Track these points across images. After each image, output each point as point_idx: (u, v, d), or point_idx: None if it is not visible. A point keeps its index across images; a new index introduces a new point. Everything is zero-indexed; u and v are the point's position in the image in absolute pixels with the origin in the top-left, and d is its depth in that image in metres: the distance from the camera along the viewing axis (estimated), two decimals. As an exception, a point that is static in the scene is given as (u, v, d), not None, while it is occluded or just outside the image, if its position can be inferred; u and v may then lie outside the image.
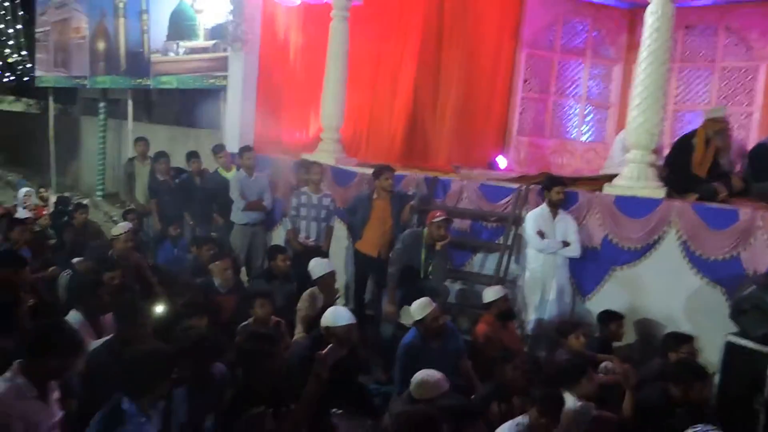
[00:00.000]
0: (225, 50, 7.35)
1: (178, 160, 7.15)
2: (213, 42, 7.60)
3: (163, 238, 6.49)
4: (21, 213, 6.42)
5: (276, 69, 7.39)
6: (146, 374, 2.54)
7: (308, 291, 4.81)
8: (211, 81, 7.72)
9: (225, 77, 7.42)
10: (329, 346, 2.98)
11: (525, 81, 7.90)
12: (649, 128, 4.89)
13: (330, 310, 3.68)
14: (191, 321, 3.74)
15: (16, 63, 12.23)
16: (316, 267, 4.87)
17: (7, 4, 11.87)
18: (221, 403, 3.06)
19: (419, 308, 3.92)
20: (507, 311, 4.49)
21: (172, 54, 8.27)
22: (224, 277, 4.85)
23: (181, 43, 8.13)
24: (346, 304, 5.38)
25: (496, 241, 5.60)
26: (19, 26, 11.92)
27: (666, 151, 5.54)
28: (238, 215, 6.20)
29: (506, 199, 5.54)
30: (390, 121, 7.42)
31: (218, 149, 6.73)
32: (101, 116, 11.29)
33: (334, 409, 3.58)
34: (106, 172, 11.36)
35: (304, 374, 3.18)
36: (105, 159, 11.30)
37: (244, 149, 6.36)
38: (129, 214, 6.46)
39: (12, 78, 12.46)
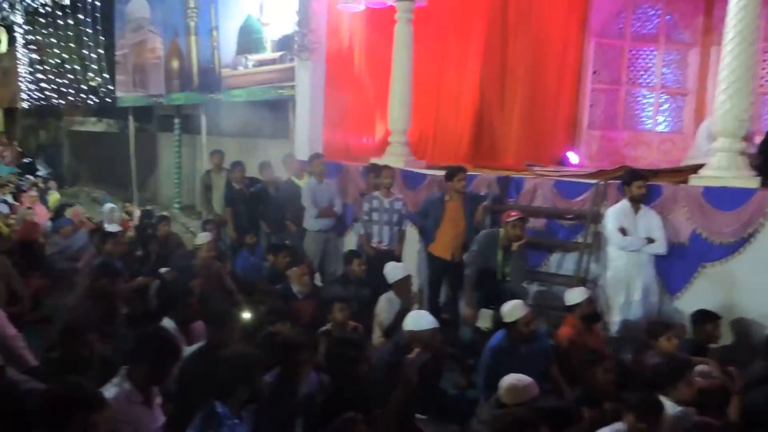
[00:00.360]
0: (292, 60, 7.51)
1: (250, 171, 7.36)
2: (280, 53, 7.78)
3: (239, 246, 6.68)
4: (110, 227, 6.78)
5: (342, 76, 7.48)
6: (235, 378, 2.60)
7: (384, 295, 4.82)
8: (279, 92, 7.90)
9: (292, 87, 7.57)
10: (416, 351, 2.95)
11: (594, 72, 7.64)
12: (737, 114, 4.58)
13: (412, 314, 3.66)
14: (275, 327, 3.83)
15: (99, 86, 12.98)
16: (392, 271, 4.87)
17: (90, 31, 12.63)
18: (310, 408, 3.10)
19: (511, 311, 3.82)
20: (592, 313, 4.31)
21: (241, 68, 8.53)
22: (302, 282, 4.93)
23: (250, 57, 8.37)
24: (419, 308, 5.35)
25: (574, 240, 5.40)
26: (101, 51, 12.65)
27: (758, 138, 5.17)
28: (310, 222, 6.30)
29: (583, 196, 5.34)
30: (456, 121, 7.35)
31: (289, 157, 6.87)
32: (176, 132, 11.82)
33: (418, 415, 3.55)
34: (182, 185, 11.88)
35: (390, 379, 3.19)
36: (181, 172, 11.81)
37: (314, 156, 6.46)
38: (208, 224, 6.70)
39: (95, 100, 13.24)
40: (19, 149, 14.55)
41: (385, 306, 4.76)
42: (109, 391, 2.66)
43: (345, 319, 4.27)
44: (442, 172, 5.62)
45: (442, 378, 4.09)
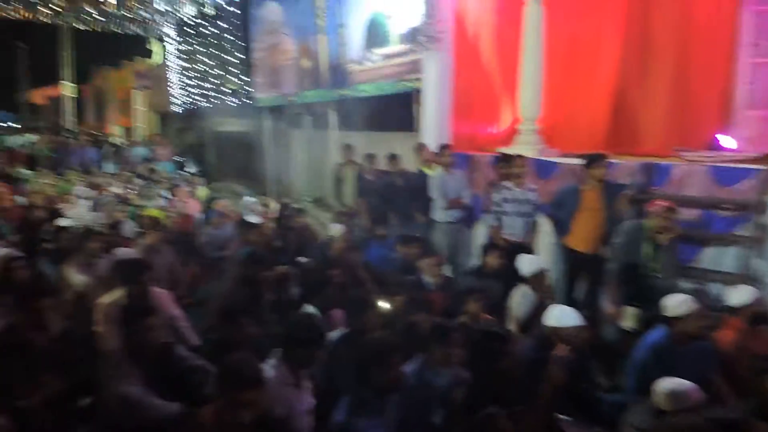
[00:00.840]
0: (418, 52, 7.51)
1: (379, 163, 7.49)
2: (406, 46, 7.81)
3: (370, 237, 6.83)
4: (251, 218, 7.24)
5: (468, 64, 7.35)
6: (373, 362, 2.62)
7: (519, 289, 4.66)
8: (405, 84, 7.94)
9: (418, 79, 7.57)
10: (561, 348, 2.80)
11: (754, 45, 6.77)
12: None
13: (555, 309, 3.49)
14: (413, 316, 3.84)
15: (239, 88, 13.97)
16: (526, 264, 4.70)
17: (230, 38, 13.62)
18: (449, 400, 3.07)
19: (678, 305, 3.49)
20: (761, 316, 3.83)
21: (367, 62, 8.70)
22: (434, 274, 4.91)
23: (376, 51, 8.49)
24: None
25: (733, 233, 4.85)
26: (240, 56, 13.58)
27: None
28: (439, 213, 6.26)
29: (745, 184, 4.77)
30: (592, 105, 6.91)
31: (421, 147, 6.82)
32: (307, 128, 12.37)
33: (562, 416, 3.38)
34: (313, 179, 12.43)
35: (532, 376, 3.06)
36: (312, 167, 12.35)
37: (443, 147, 6.41)
38: (341, 216, 6.91)
39: (236, 102, 14.28)
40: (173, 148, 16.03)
41: (519, 300, 4.61)
42: (266, 372, 2.83)
43: (479, 312, 4.18)
44: (577, 161, 5.31)
45: (586, 378, 3.85)
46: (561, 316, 3.37)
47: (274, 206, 9.31)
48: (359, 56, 8.87)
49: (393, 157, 7.09)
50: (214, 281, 6.50)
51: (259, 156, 13.51)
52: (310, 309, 3.86)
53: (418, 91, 7.57)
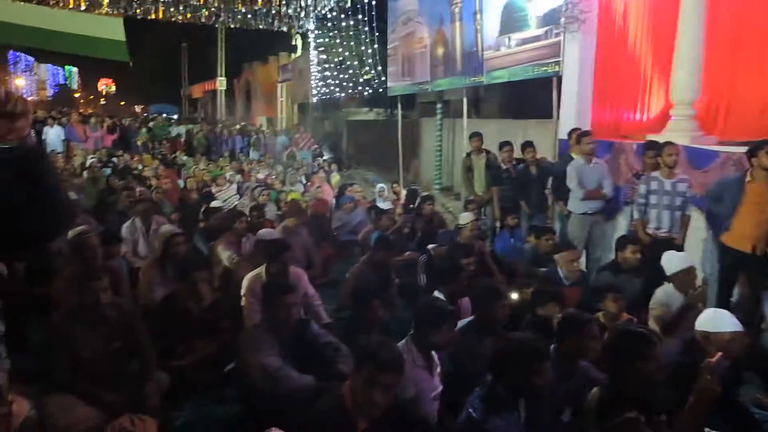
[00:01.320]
0: (557, 36, 7.14)
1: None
2: (545, 29, 7.46)
3: (500, 227, 6.67)
4: (382, 204, 7.43)
5: (613, 46, 6.84)
6: (512, 362, 2.50)
7: (662, 288, 4.27)
8: (543, 69, 7.59)
9: (557, 63, 7.20)
10: (717, 355, 2.52)
11: None
12: None
13: (709, 312, 3.15)
14: (543, 309, 3.69)
15: (372, 78, 14.33)
16: (672, 261, 4.28)
17: (366, 29, 14.00)
18: (580, 400, 2.90)
19: None
20: None
21: (503, 48, 8.45)
22: (570, 268, 4.67)
23: (512, 36, 8.22)
24: (704, 306, 4.62)
25: None
26: (375, 46, 13.91)
27: None
28: (575, 204, 5.93)
29: None
30: (760, 86, 6.08)
31: (585, 134, 6.30)
32: (438, 117, 12.36)
33: (709, 430, 3.05)
34: (442, 168, 12.43)
35: (676, 382, 2.79)
36: (441, 155, 12.35)
37: (582, 134, 6.03)
38: (470, 204, 6.83)
39: (369, 91, 14.67)
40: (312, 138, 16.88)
41: (662, 299, 4.22)
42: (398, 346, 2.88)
43: (619, 310, 3.91)
44: (740, 149, 4.72)
45: (740, 391, 3.45)
46: (716, 320, 3.03)
47: (404, 193, 9.46)
48: (495, 42, 8.64)
49: (528, 145, 6.83)
50: (346, 263, 6.81)
51: (391, 144, 13.78)
52: (438, 295, 3.86)
53: (556, 76, 7.20)
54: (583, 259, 5.79)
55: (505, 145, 6.97)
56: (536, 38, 7.69)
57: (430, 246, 5.47)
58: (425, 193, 8.70)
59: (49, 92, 39.38)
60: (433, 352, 2.99)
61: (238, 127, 19.51)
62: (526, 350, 2.45)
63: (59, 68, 42.44)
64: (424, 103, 15.42)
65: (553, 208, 6.71)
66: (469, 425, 2.43)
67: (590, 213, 5.90)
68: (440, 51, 10.38)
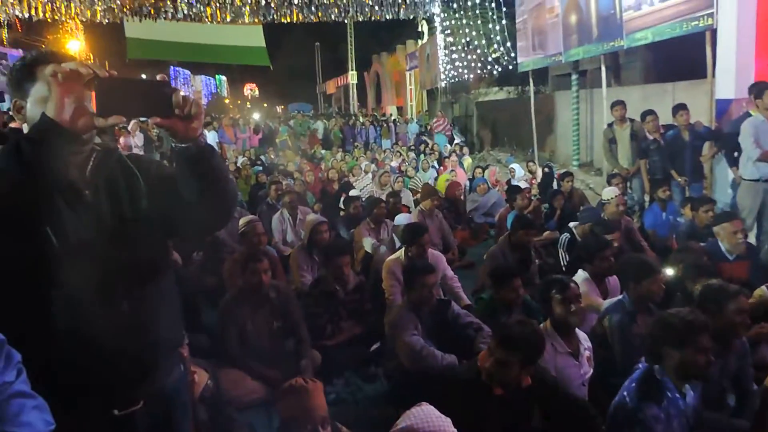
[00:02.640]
0: (710, -16, 6.36)
1: (662, 118, 6.65)
2: (694, -21, 6.69)
3: (650, 201, 6.16)
4: (518, 183, 7.23)
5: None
6: (670, 342, 2.29)
7: None
8: (693, 24, 6.82)
9: (710, 15, 6.42)
10: None
11: None
12: None
13: None
14: (695, 285, 3.36)
15: (501, 56, 13.93)
16: None
17: (493, 6, 13.63)
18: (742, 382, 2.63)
19: None
20: None
21: (645, 6, 7.72)
22: (734, 241, 4.18)
23: (656, -8, 7.48)
24: None
25: None
26: (503, 23, 13.50)
27: None
28: (747, 169, 5.22)
29: None
30: None
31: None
32: (573, 89, 11.70)
33: None
34: (580, 142, 11.76)
35: None
36: (578, 130, 11.68)
37: (763, 87, 5.24)
38: (613, 178, 6.39)
39: (498, 70, 14.28)
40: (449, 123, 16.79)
41: None
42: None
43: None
44: None
45: None
46: None
47: (540, 171, 9.12)
48: (635, 1, 7.93)
49: (680, 108, 6.18)
50: (482, 246, 6.75)
51: (523, 122, 13.33)
52: (580, 274, 3.68)
53: (709, 30, 6.43)
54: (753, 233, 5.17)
55: (648, 114, 6.39)
56: (684, -9, 6.93)
57: (571, 224, 5.21)
58: (563, 170, 8.31)
59: (204, 101, 43.56)
60: (581, 336, 2.86)
61: (368, 118, 20.07)
62: (686, 326, 2.22)
63: (211, 78, 46.78)
64: (558, 75, 14.70)
65: (712, 176, 6.04)
66: (622, 412, 2.28)
67: (764, 179, 5.19)
68: (573, 18, 9.77)
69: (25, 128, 1.38)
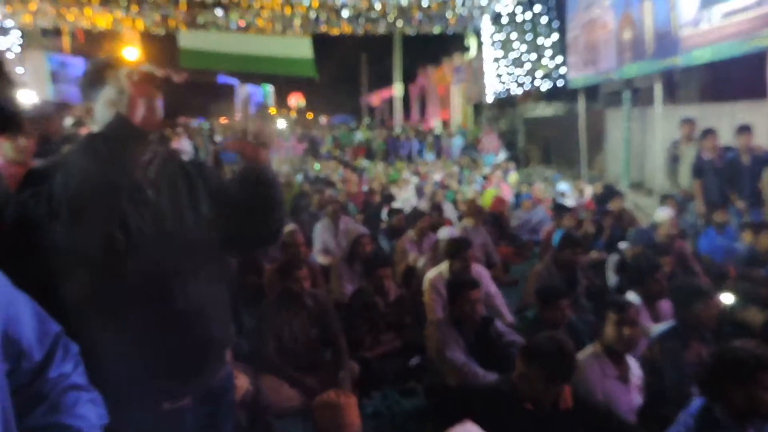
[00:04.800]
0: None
1: (723, 138, 6.43)
2: (759, -4, 6.48)
3: (705, 224, 5.95)
4: (565, 202, 7.10)
5: None
6: (730, 378, 2.10)
7: None
8: (756, 43, 6.60)
9: (776, 34, 6.21)
10: None
11: None
12: None
13: None
14: (744, 314, 3.23)
15: (551, 71, 13.77)
16: None
17: (545, 20, 13.52)
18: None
19: None
20: None
21: (704, 23, 7.53)
22: (798, 270, 4.00)
23: (715, 8, 7.28)
24: None
25: None
26: (554, 37, 13.36)
27: None
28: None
29: None
30: None
31: None
32: (625, 106, 11.44)
33: None
34: (630, 162, 11.47)
35: None
36: (630, 148, 11.40)
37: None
38: (667, 199, 6.21)
39: (548, 85, 14.11)
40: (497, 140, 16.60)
41: None
42: (583, 353, 2.74)
43: None
44: None
45: None
46: None
47: (589, 190, 8.94)
48: (693, 18, 7.74)
49: (744, 130, 5.96)
50: (526, 264, 6.64)
51: (572, 139, 13.11)
52: (631, 297, 3.57)
53: (773, 49, 6.22)
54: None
55: (707, 133, 6.20)
56: (746, 8, 6.73)
57: (621, 245, 5.08)
58: (613, 190, 8.13)
59: (252, 110, 44.70)
60: (632, 362, 2.77)
61: (412, 131, 20.13)
62: (755, 362, 2.06)
63: (258, 87, 47.99)
64: (609, 93, 14.39)
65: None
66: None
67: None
68: (627, 34, 9.60)
69: (94, 129, 1.45)
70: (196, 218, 1.56)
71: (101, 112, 1.44)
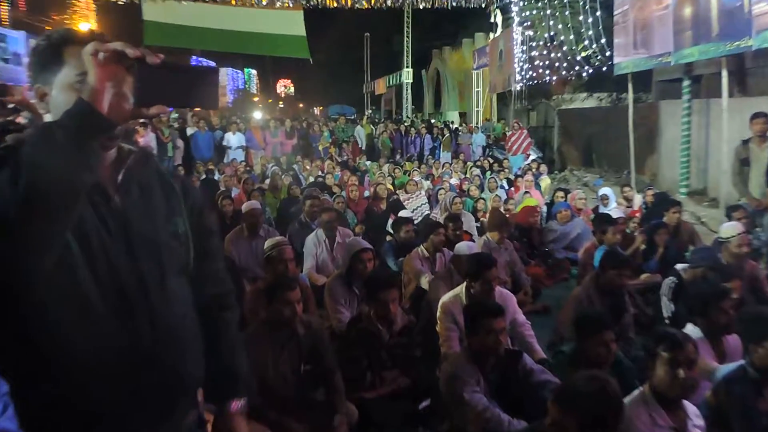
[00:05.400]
0: None
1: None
2: None
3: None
4: (610, 212, 7.08)
5: None
6: None
7: None
8: None
9: None
10: None
11: None
12: None
13: None
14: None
15: (592, 54, 13.81)
16: None
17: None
18: None
19: None
20: None
21: (782, -1, 7.55)
22: None
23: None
24: None
25: None
26: (597, 15, 13.41)
27: None
28: None
29: None
30: None
31: None
32: (684, 98, 11.45)
33: None
34: (690, 164, 11.46)
35: None
36: (689, 148, 11.40)
37: None
38: (735, 211, 6.19)
39: (589, 71, 14.14)
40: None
41: None
42: (630, 398, 2.73)
43: None
44: None
45: None
46: None
47: (638, 199, 8.93)
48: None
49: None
50: (561, 287, 6.62)
51: (618, 137, 13.12)
52: (690, 330, 3.55)
53: None
54: None
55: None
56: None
57: (678, 266, 5.08)
58: (669, 198, 8.12)
59: (229, 98, 44.84)
60: (690, 410, 2.75)
61: (424, 125, 20.19)
62: None
63: (238, 71, 48.23)
64: (665, 81, 14.42)
65: None
66: None
67: None
68: (688, 11, 9.63)
69: (48, 118, 1.44)
70: (170, 236, 1.57)
71: (58, 98, 1.42)
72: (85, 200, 1.39)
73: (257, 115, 22.84)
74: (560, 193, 8.99)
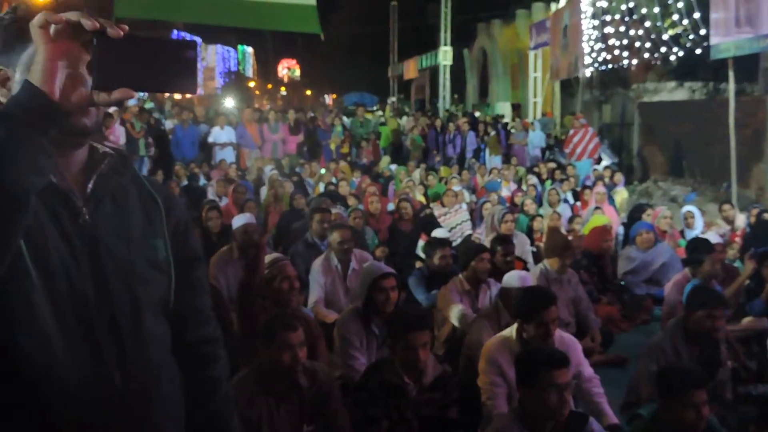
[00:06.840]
0: None
1: None
2: None
3: None
4: (708, 236, 7.02)
5: None
6: None
7: None
8: None
9: None
10: None
11: None
12: None
13: None
14: None
15: (683, 33, 13.72)
16: None
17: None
18: None
19: None
20: None
21: None
22: None
23: None
24: None
25: None
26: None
27: None
28: None
29: None
30: None
31: None
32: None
33: None
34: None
35: None
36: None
37: None
38: None
39: (678, 55, 14.04)
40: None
41: None
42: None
43: None
44: None
45: None
46: None
47: (741, 219, 8.87)
48: None
49: None
50: (641, 330, 6.58)
51: (715, 138, 13.04)
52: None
53: None
54: None
55: None
56: None
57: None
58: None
59: (219, 83, 45.27)
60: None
61: (467, 119, 20.19)
62: None
63: (231, 49, 48.71)
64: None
65: None
66: None
67: None
68: (807, -22, 9.60)
69: None
70: (146, 263, 1.61)
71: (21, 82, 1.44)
72: (43, 210, 1.42)
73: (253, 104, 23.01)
74: (642, 211, 8.95)
